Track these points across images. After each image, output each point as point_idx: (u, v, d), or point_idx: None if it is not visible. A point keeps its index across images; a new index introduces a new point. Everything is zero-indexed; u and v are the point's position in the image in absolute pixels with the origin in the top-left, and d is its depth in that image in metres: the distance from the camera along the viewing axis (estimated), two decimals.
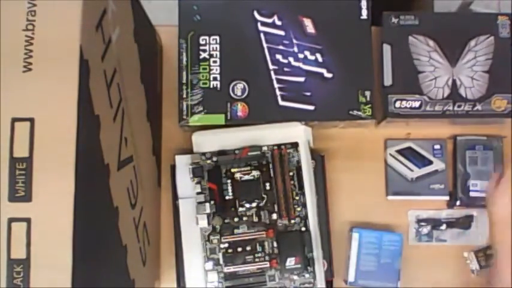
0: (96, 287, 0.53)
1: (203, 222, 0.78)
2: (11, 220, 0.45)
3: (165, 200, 0.86)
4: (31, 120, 0.46)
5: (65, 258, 0.44)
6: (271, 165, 0.80)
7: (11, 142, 0.45)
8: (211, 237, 0.78)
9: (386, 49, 0.83)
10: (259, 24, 0.82)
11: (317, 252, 0.79)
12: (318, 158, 0.84)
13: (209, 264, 0.78)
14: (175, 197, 0.82)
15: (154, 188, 0.84)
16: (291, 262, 0.77)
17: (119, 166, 0.61)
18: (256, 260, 0.78)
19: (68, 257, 0.44)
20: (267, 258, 0.78)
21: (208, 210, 0.78)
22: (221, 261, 0.78)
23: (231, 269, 0.77)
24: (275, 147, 0.80)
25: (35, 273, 0.44)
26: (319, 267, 0.78)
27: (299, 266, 0.77)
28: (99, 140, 0.54)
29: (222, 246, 0.78)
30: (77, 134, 0.46)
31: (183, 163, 0.81)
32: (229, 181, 0.79)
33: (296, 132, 0.81)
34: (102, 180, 0.56)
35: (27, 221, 0.45)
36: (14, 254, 0.44)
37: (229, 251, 0.78)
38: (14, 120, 0.45)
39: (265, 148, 0.80)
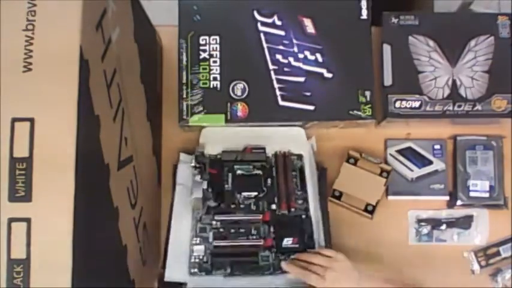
0: (96, 287, 0.53)
1: (198, 193, 0.70)
2: (11, 220, 0.45)
3: (165, 200, 0.86)
4: (31, 120, 0.46)
5: (65, 258, 0.44)
6: (273, 168, 0.80)
7: (11, 142, 0.45)
8: (204, 217, 0.72)
9: (387, 49, 0.83)
10: (259, 24, 0.82)
11: (318, 236, 0.75)
12: (321, 170, 0.83)
13: (196, 240, 0.71)
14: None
15: (154, 188, 0.84)
16: (288, 242, 0.72)
17: (119, 166, 0.61)
18: (250, 238, 0.72)
19: (68, 257, 0.44)
20: (261, 237, 0.73)
21: (205, 186, 0.72)
22: (210, 239, 0.71)
23: (222, 243, 0.71)
24: (279, 153, 0.80)
25: (35, 273, 0.44)
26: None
27: (297, 246, 0.71)
28: (99, 140, 0.54)
29: (214, 224, 0.72)
30: (77, 134, 0.46)
31: (187, 161, 0.80)
32: (230, 174, 0.77)
33: (301, 136, 0.81)
34: (102, 180, 0.56)
35: (27, 221, 0.45)
36: (14, 254, 0.44)
37: (221, 230, 0.72)
38: (14, 120, 0.45)
39: (269, 155, 0.80)
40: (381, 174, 0.84)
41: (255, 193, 0.76)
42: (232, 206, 0.76)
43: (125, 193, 0.65)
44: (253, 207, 0.76)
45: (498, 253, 0.85)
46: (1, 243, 0.44)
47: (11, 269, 0.44)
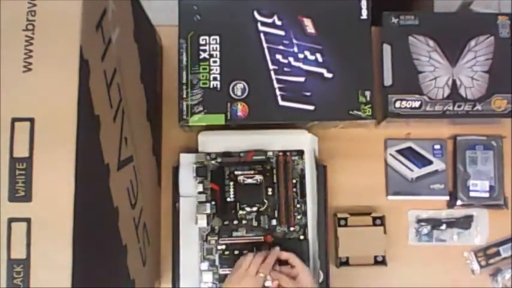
0: (96, 287, 0.53)
1: (202, 222, 0.78)
2: (11, 220, 0.45)
3: (165, 200, 0.86)
4: (31, 120, 0.46)
5: (65, 258, 0.44)
6: (275, 171, 0.80)
7: (11, 142, 0.45)
8: (209, 238, 0.79)
9: (386, 49, 0.83)
10: (259, 24, 0.82)
11: (314, 262, 0.79)
12: (321, 167, 0.83)
13: (205, 265, 0.78)
14: (175, 198, 0.82)
15: (155, 188, 0.84)
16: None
17: (119, 166, 0.61)
18: None
19: (68, 257, 0.44)
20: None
21: (208, 211, 0.78)
22: (217, 263, 0.78)
23: (227, 271, 0.78)
24: (280, 153, 0.80)
25: (35, 273, 0.44)
26: (316, 278, 0.78)
27: None
28: (99, 140, 0.54)
29: (219, 247, 0.78)
30: (77, 134, 0.46)
31: (187, 161, 0.81)
32: (231, 183, 0.79)
33: (303, 140, 0.81)
34: (102, 180, 0.56)
35: (27, 221, 0.45)
36: (14, 254, 0.44)
37: (226, 253, 0.78)
38: (14, 120, 0.45)
39: (270, 153, 0.80)
40: (374, 223, 0.84)
41: (256, 207, 0.79)
42: (235, 222, 0.79)
43: (125, 193, 0.65)
44: (254, 223, 0.79)
45: (498, 253, 0.86)
46: (1, 243, 0.44)
47: (11, 269, 0.44)
